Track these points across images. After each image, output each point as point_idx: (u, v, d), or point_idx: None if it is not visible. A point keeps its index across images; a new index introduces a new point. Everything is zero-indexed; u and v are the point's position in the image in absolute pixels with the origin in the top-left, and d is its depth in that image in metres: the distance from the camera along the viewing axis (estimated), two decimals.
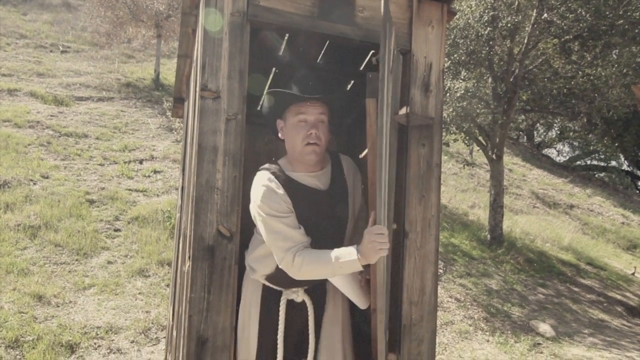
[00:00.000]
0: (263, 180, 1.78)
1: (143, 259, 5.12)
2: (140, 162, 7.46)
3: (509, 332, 5.46)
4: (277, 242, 1.71)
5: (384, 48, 1.59)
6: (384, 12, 1.60)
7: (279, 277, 1.85)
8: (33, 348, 3.59)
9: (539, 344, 5.30)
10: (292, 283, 1.86)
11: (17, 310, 3.97)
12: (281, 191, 1.76)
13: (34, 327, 3.81)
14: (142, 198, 6.44)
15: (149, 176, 7.08)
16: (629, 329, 6.38)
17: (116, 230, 5.63)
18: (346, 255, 1.62)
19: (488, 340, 5.22)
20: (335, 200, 1.92)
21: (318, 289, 1.98)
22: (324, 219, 1.87)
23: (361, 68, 2.52)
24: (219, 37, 1.76)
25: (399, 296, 1.89)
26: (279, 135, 1.89)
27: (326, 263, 1.65)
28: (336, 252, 1.65)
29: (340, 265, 1.62)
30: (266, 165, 1.88)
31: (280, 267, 1.75)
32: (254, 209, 1.78)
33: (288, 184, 1.81)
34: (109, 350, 3.79)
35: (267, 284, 1.93)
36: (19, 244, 4.95)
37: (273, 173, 1.81)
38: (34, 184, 6.14)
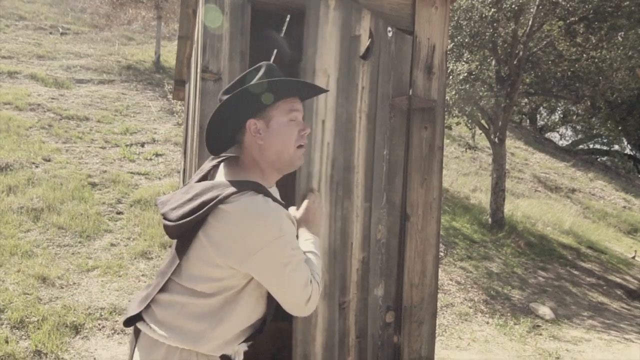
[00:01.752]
0: (264, 206, 1.28)
1: (145, 242, 5.15)
2: (142, 145, 7.46)
3: (509, 314, 5.51)
4: (302, 279, 1.30)
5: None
6: None
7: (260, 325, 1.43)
8: (38, 329, 3.64)
9: (538, 326, 5.35)
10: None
11: (22, 292, 4.02)
12: (286, 210, 1.36)
13: (38, 308, 3.86)
14: (144, 181, 6.45)
15: (150, 159, 7.08)
16: (628, 311, 6.43)
17: (119, 213, 5.65)
18: (310, 233, 1.50)
19: (488, 322, 5.27)
20: None
21: None
22: None
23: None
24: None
25: (400, 278, 1.90)
26: (257, 140, 1.36)
27: (319, 258, 1.47)
28: (305, 241, 1.46)
29: (318, 247, 1.51)
30: (243, 186, 1.33)
31: (305, 308, 1.34)
32: (275, 250, 1.27)
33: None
34: (112, 331, 3.84)
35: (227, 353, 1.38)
36: (22, 226, 4.98)
37: (262, 192, 1.33)
38: (36, 167, 6.15)
